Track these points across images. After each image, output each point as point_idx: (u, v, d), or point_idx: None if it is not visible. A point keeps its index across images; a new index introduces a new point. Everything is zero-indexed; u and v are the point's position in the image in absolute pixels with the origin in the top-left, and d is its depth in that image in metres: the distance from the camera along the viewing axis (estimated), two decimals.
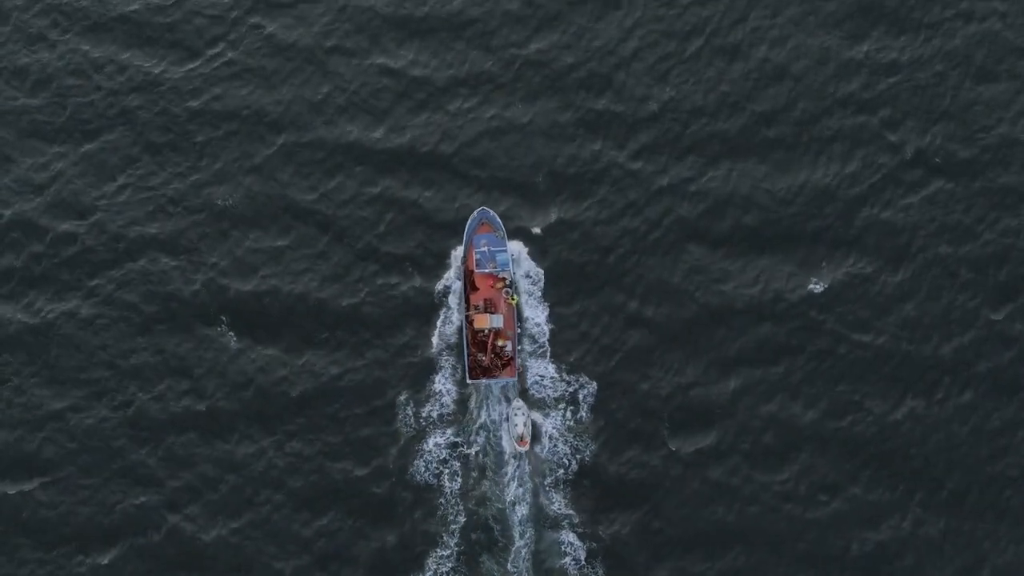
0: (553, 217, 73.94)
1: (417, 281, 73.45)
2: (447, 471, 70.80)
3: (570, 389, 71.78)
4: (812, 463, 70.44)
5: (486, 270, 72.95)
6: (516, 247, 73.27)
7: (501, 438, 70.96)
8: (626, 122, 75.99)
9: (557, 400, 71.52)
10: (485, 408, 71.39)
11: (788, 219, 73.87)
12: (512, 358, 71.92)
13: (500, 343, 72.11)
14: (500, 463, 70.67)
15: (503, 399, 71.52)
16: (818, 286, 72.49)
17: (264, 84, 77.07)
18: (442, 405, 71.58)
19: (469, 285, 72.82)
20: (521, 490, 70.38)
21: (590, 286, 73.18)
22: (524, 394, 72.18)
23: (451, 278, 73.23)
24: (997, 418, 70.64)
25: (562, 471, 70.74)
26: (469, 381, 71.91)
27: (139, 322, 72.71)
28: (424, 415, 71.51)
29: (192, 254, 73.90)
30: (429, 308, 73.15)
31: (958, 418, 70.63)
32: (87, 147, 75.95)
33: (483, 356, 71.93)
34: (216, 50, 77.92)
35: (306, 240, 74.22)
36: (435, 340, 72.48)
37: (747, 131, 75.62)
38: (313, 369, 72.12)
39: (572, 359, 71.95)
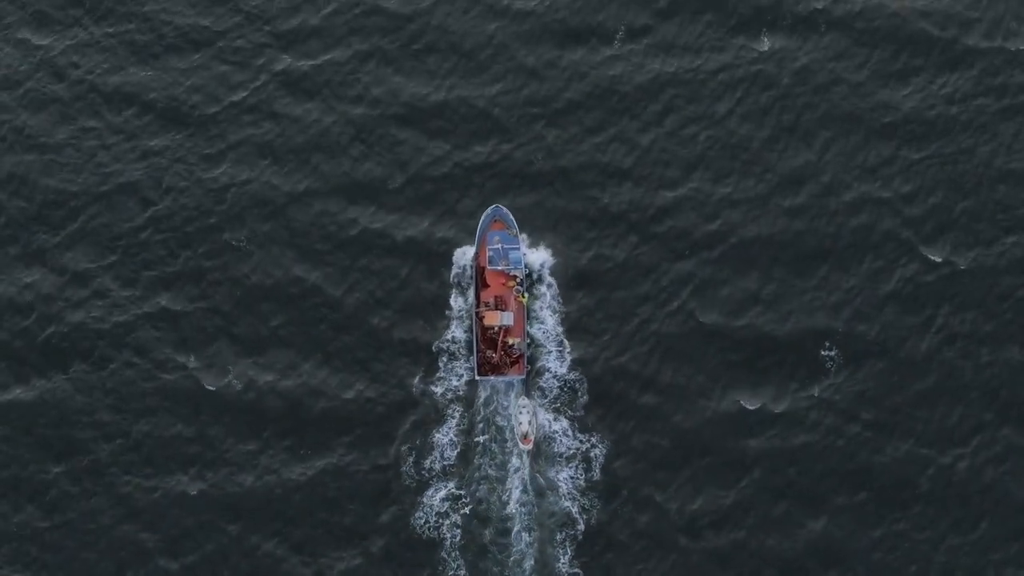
0: (570, 304, 72.86)
1: (425, 340, 72.22)
2: (447, 523, 68.48)
3: (582, 448, 69.80)
4: (823, 563, 68.15)
5: (498, 267, 72.15)
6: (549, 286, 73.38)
7: (507, 495, 69.10)
8: (647, 206, 75.45)
9: (569, 459, 69.42)
10: (487, 456, 69.60)
11: (804, 313, 72.60)
12: (521, 356, 70.83)
13: (510, 341, 71.12)
14: (504, 517, 68.59)
15: (505, 450, 69.78)
16: (833, 385, 71.01)
17: (279, 159, 77.25)
18: (443, 458, 69.38)
19: (480, 282, 72.46)
20: (527, 539, 68.04)
21: (604, 374, 71.73)
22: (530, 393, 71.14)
23: (454, 336, 72.16)
24: (1011, 527, 68.58)
25: (570, 530, 68.64)
26: (478, 378, 70.84)
27: (141, 400, 71.31)
28: (426, 468, 69.52)
29: (198, 329, 72.87)
30: (434, 360, 71.79)
31: (968, 524, 68.64)
32: (94, 213, 75.55)
33: (492, 353, 70.89)
34: (232, 122, 78.21)
35: (315, 312, 73.12)
36: (439, 393, 70.87)
37: (769, 221, 74.99)
38: (315, 427, 70.90)
39: (587, 423, 70.57)
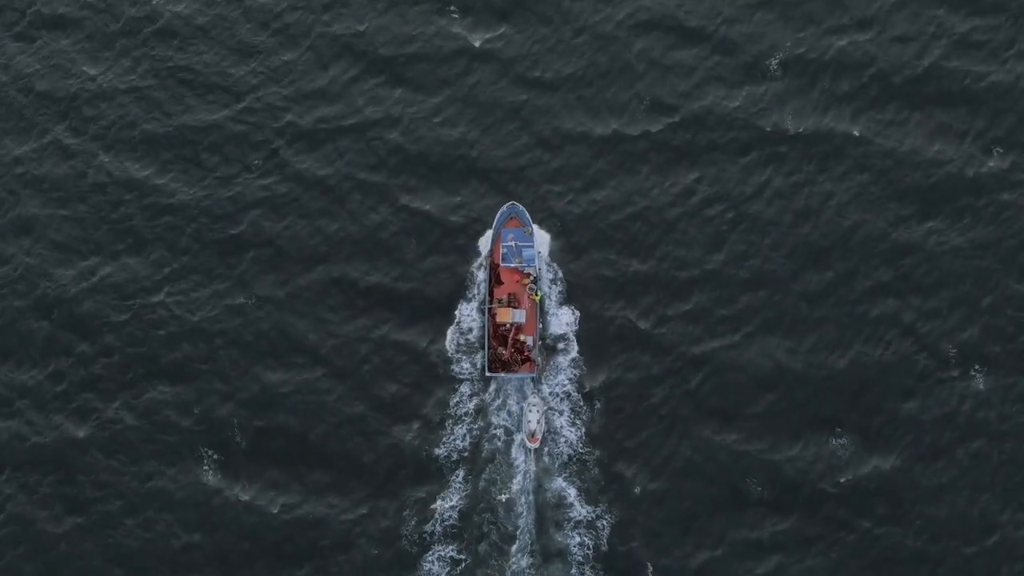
0: (586, 381, 71.89)
1: (428, 403, 71.33)
2: None
3: (589, 518, 69.16)
4: None
5: (512, 264, 71.87)
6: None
7: (512, 561, 68.48)
8: (666, 285, 73.86)
9: (576, 524, 68.95)
10: (488, 526, 68.92)
11: (818, 402, 71.16)
12: (532, 354, 70.95)
13: (521, 338, 71.26)
14: None
15: (508, 521, 69.12)
16: (845, 476, 69.88)
17: (282, 215, 75.81)
18: (444, 520, 68.82)
19: (494, 278, 72.56)
20: None
21: (611, 450, 70.84)
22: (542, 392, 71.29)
23: (461, 399, 71.26)
24: None
25: None
26: (488, 374, 70.92)
27: (144, 449, 70.76)
28: (427, 532, 68.91)
29: (205, 379, 71.96)
30: (436, 427, 70.91)
31: None
32: (111, 267, 74.41)
33: (503, 350, 70.91)
34: (247, 176, 76.76)
35: (319, 380, 72.00)
36: (442, 456, 70.14)
37: (787, 306, 73.25)
38: (316, 491, 70.10)
39: (595, 496, 69.85)
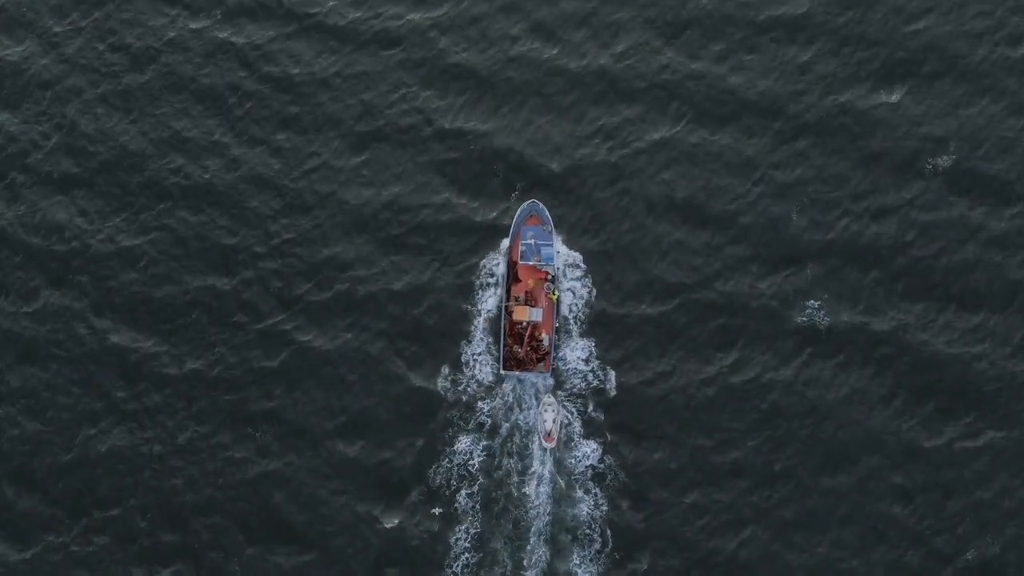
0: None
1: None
2: None
3: None
4: None
5: (530, 262, 71.73)
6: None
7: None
8: (688, 473, 71.30)
9: None
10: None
11: None
12: (548, 353, 70.63)
13: (537, 336, 70.76)
14: None
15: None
16: None
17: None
18: None
19: (512, 276, 71.93)
20: None
21: None
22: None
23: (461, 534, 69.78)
24: None
25: None
26: (503, 372, 70.60)
27: None
28: None
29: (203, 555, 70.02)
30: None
31: None
32: (104, 434, 71.94)
33: (519, 348, 70.64)
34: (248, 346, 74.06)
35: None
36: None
37: (808, 503, 70.83)
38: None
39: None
